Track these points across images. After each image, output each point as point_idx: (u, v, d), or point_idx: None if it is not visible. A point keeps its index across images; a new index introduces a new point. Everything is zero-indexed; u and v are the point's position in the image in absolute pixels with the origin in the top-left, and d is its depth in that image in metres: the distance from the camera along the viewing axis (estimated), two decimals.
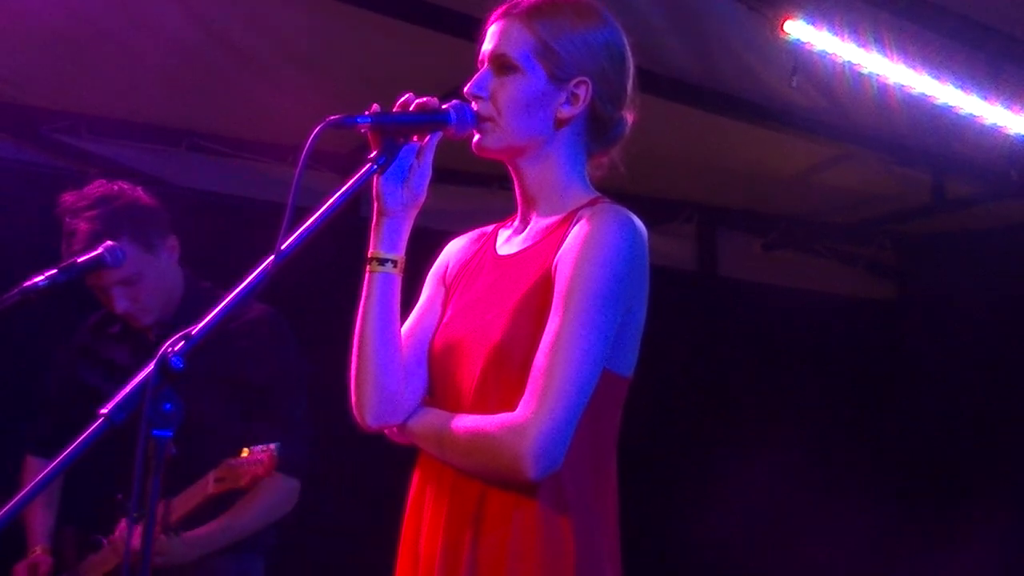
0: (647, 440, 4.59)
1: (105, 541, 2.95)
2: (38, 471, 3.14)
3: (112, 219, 2.89)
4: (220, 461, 2.82)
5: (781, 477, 5.13)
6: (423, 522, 1.86)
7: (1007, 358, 5.52)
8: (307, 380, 3.05)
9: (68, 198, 2.93)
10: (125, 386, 1.51)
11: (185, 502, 2.75)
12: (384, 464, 2.41)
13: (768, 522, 5.17)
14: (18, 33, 3.70)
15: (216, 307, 1.60)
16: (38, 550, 3.07)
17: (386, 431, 1.92)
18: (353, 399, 1.90)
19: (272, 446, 2.64)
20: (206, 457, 2.91)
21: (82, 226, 2.85)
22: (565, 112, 1.88)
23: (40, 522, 3.10)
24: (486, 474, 1.79)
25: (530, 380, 1.75)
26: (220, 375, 2.95)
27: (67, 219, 2.89)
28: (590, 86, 1.88)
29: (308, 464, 3.01)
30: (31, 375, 3.53)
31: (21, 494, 1.49)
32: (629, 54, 1.94)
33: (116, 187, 2.99)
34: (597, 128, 1.93)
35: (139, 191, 3.03)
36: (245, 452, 2.68)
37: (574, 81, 1.88)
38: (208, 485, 2.71)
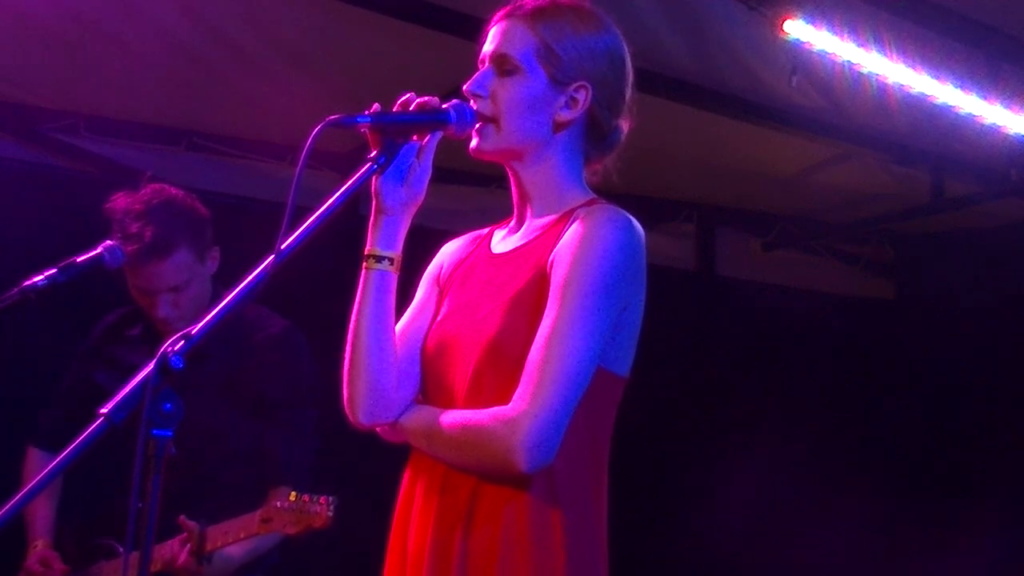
0: (645, 439, 4.59)
1: (121, 550, 2.95)
2: (40, 464, 3.17)
3: (175, 225, 2.91)
4: (230, 470, 2.86)
5: (779, 476, 5.13)
6: (412, 520, 1.86)
7: (1006, 357, 5.51)
8: (318, 392, 3.04)
9: (123, 201, 2.92)
10: (126, 386, 1.51)
11: (223, 535, 2.72)
12: (376, 462, 2.40)
13: (766, 521, 5.17)
14: (17, 32, 3.70)
15: (216, 306, 1.60)
16: (39, 544, 3.07)
17: (378, 429, 1.92)
18: (345, 396, 1.90)
19: (330, 498, 2.59)
20: (216, 466, 2.93)
21: (147, 231, 2.85)
22: (564, 116, 1.89)
23: (41, 517, 3.11)
24: (478, 468, 1.79)
25: (524, 374, 1.75)
26: (238, 386, 2.97)
27: (127, 222, 2.87)
28: (590, 91, 1.89)
29: (313, 476, 3.01)
30: (31, 373, 3.54)
31: (21, 493, 1.49)
32: (629, 61, 1.95)
33: (174, 193, 3.01)
34: (595, 133, 1.93)
35: (195, 199, 3.05)
36: (293, 496, 2.62)
37: (574, 85, 1.88)
38: (252, 525, 2.68)
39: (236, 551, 2.79)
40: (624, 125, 1.97)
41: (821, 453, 5.39)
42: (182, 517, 2.69)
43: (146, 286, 2.95)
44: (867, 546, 5.47)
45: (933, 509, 5.39)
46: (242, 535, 2.70)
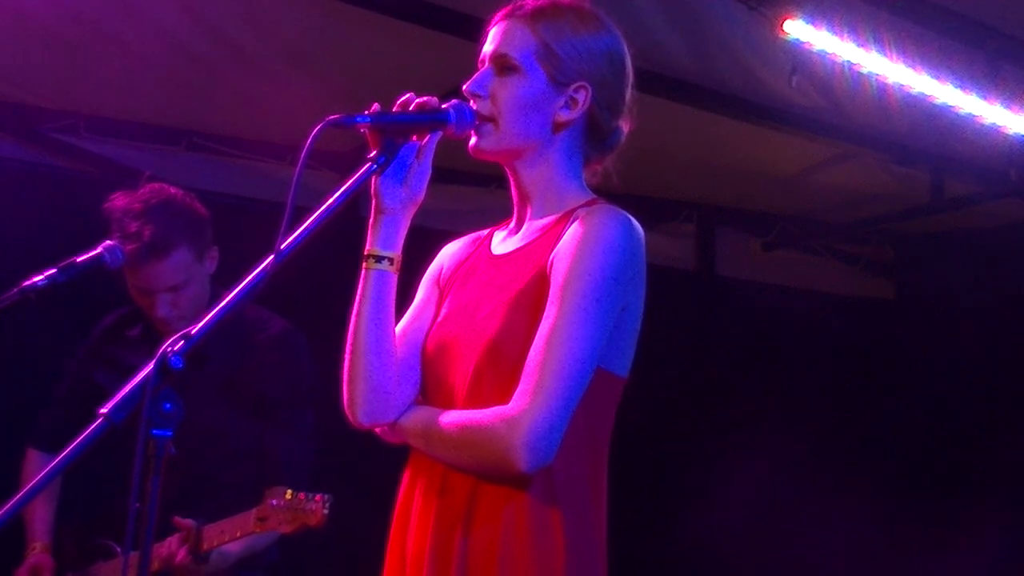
0: (645, 439, 4.59)
1: (119, 550, 2.95)
2: (39, 465, 3.16)
3: (174, 225, 2.91)
4: (229, 470, 2.88)
5: (779, 476, 5.13)
6: (411, 520, 1.86)
7: (1006, 357, 5.52)
8: (318, 392, 3.04)
9: (122, 201, 2.92)
10: (125, 386, 1.51)
11: (220, 533, 2.72)
12: (376, 462, 2.40)
13: (766, 521, 5.17)
14: (17, 32, 3.70)
15: (216, 306, 1.59)
16: (37, 547, 3.07)
17: (377, 430, 1.92)
18: (345, 396, 1.89)
19: (324, 496, 2.59)
20: (216, 466, 2.93)
21: (146, 230, 2.86)
22: (563, 116, 1.89)
23: (40, 518, 3.10)
24: (477, 467, 1.79)
25: (524, 374, 1.75)
26: (238, 386, 2.97)
27: (125, 222, 2.88)
28: (589, 91, 1.89)
29: (312, 476, 3.01)
30: (31, 373, 3.53)
31: (21, 493, 1.49)
32: (630, 63, 1.95)
33: (173, 192, 3.01)
34: (594, 134, 1.93)
35: (194, 199, 3.05)
36: (288, 494, 2.61)
37: (574, 86, 1.88)
38: (248, 524, 2.68)
39: (233, 549, 2.79)
40: (624, 126, 1.97)
41: (821, 453, 5.39)
42: (176, 516, 2.68)
43: (145, 286, 2.95)
44: (867, 546, 5.47)
45: (933, 509, 5.39)
46: (238, 534, 2.70)
